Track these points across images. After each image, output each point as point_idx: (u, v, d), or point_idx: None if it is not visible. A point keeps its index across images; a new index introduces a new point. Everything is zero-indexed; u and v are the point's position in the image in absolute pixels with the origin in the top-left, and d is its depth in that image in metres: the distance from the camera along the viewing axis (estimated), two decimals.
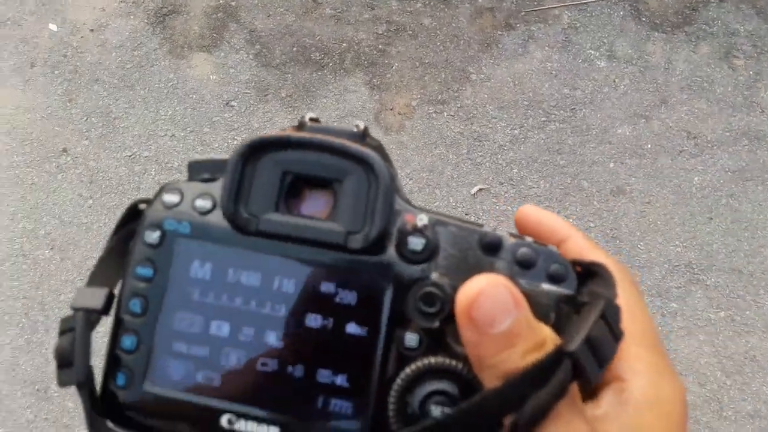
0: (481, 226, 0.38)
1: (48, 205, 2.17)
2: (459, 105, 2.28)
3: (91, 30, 2.40)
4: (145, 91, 2.31)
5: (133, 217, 0.40)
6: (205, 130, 2.27)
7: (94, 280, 0.40)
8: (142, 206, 0.40)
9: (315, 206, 0.39)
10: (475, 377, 0.34)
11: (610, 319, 0.33)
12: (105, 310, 0.38)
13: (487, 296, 0.31)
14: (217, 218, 0.38)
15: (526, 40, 2.35)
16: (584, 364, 0.31)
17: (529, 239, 0.37)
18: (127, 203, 0.44)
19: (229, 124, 2.27)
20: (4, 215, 2.15)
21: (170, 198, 0.39)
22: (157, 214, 0.39)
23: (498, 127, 2.24)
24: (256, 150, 0.38)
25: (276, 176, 0.38)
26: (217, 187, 0.39)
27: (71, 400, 1.95)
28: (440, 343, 0.36)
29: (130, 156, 2.23)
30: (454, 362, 0.35)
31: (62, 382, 0.36)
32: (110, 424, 0.38)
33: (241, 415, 0.37)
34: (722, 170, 2.20)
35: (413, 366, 0.35)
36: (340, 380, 0.36)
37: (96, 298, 0.38)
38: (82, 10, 2.43)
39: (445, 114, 2.26)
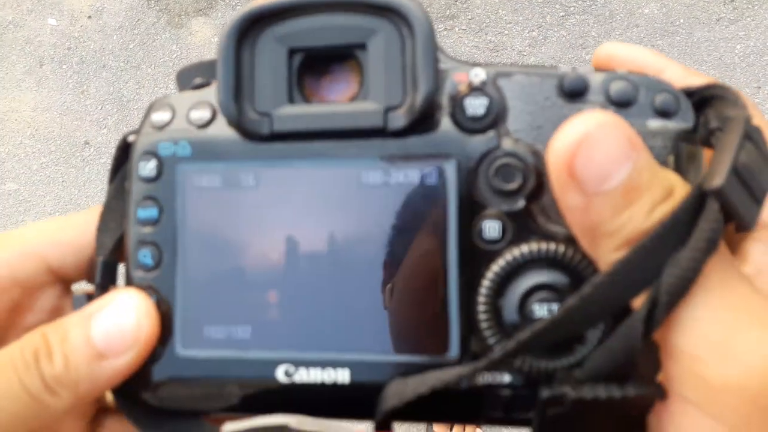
0: (555, 67, 0.29)
1: (81, 199, 2.18)
2: (470, 17, 2.15)
3: (89, 17, 2.36)
4: (152, 68, 2.26)
5: (125, 155, 0.33)
6: None
7: (100, 248, 0.33)
8: (132, 138, 0.33)
9: (337, 87, 0.31)
10: (584, 258, 0.26)
11: (756, 141, 0.24)
12: (106, 281, 0.32)
13: (594, 141, 0.23)
14: (221, 128, 0.31)
15: None
16: (736, 203, 0.23)
17: (620, 70, 0.28)
18: None
19: None
20: (44, 217, 2.18)
21: (160, 116, 0.32)
22: (148, 138, 0.32)
23: (514, 32, 2.11)
24: (249, 27, 0.30)
25: (281, 57, 0.30)
26: (214, 92, 0.31)
27: None
28: (529, 225, 0.28)
29: None
30: (552, 245, 0.27)
31: None
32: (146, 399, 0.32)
33: (299, 363, 0.29)
34: (767, 31, 2.02)
35: (500, 261, 0.28)
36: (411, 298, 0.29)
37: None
38: None
39: (457, 29, 2.13)
